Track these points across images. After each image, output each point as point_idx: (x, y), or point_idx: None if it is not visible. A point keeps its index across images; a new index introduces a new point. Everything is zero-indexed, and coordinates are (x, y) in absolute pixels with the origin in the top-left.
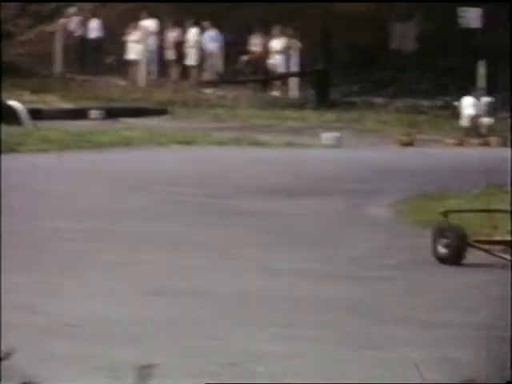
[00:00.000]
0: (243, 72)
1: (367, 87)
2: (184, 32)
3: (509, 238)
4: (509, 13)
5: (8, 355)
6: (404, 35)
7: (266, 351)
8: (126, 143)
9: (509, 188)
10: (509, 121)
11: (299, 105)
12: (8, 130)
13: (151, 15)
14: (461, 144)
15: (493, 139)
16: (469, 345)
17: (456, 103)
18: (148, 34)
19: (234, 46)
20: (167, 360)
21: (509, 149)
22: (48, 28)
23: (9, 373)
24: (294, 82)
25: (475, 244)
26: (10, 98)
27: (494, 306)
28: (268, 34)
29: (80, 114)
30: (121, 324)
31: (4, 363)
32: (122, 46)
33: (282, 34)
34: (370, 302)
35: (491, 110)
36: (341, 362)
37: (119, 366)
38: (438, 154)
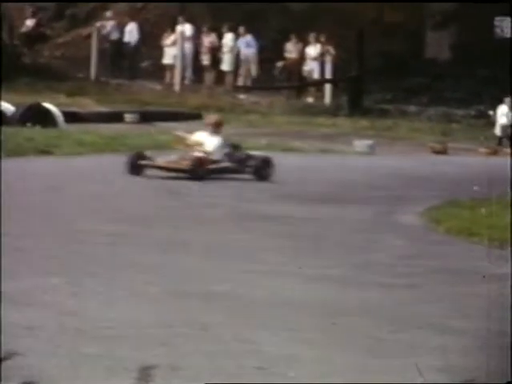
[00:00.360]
0: (278, 78)
1: (400, 95)
2: (219, 37)
3: None
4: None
5: (9, 356)
6: (439, 44)
7: (294, 356)
8: (161, 147)
9: None
10: None
11: (333, 111)
12: (43, 132)
13: (187, 20)
14: (494, 153)
15: None
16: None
17: (490, 112)
18: (184, 38)
19: (268, 52)
20: (196, 363)
21: None
22: (84, 31)
23: (9, 373)
24: (327, 89)
25: None
26: (45, 101)
27: None
28: (303, 41)
29: (115, 118)
30: (151, 326)
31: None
32: (157, 51)
33: (317, 40)
34: (398, 310)
35: None
36: (367, 369)
37: (149, 369)
38: (470, 162)
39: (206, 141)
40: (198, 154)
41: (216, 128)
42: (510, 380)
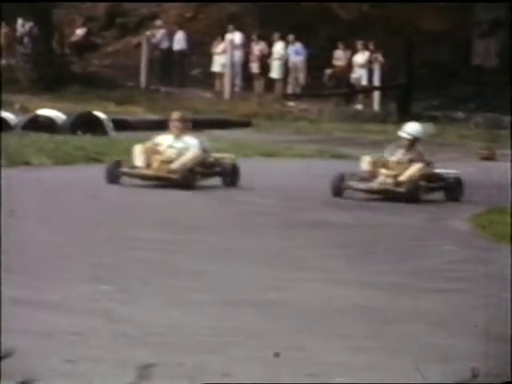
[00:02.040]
0: (326, 85)
1: (448, 102)
2: (269, 45)
3: None
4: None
5: (9, 354)
6: (486, 51)
7: (345, 362)
8: None
9: None
10: None
11: (381, 118)
12: (93, 140)
13: (237, 28)
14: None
15: None
16: None
17: None
18: (233, 46)
19: (317, 60)
20: (248, 369)
21: None
22: (134, 40)
23: (9, 372)
24: (376, 96)
25: None
26: (95, 109)
27: None
28: (351, 48)
29: (164, 126)
30: (202, 334)
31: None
32: (207, 59)
33: (365, 48)
34: (446, 315)
35: None
36: (417, 375)
37: (201, 375)
38: None
39: (173, 144)
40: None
41: (182, 127)
42: (510, 380)
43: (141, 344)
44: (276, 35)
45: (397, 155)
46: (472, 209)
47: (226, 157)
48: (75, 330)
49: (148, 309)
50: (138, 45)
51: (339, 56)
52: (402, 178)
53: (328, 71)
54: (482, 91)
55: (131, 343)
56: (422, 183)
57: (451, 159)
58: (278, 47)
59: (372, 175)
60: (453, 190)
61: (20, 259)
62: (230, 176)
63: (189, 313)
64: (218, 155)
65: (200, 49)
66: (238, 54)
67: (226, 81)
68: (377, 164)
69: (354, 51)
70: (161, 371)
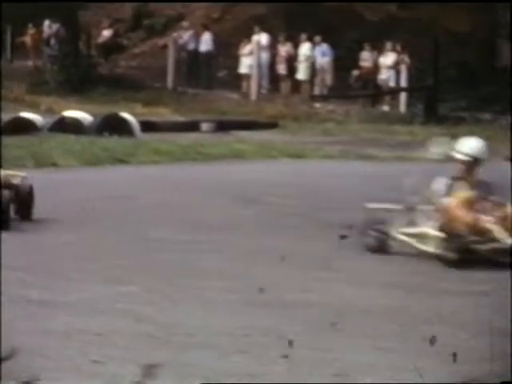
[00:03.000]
0: (353, 87)
1: (474, 103)
2: (295, 46)
3: None
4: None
5: (10, 356)
6: (511, 53)
7: (371, 363)
8: (237, 156)
9: None
10: None
11: (408, 119)
12: (119, 141)
13: (264, 29)
14: None
15: None
16: None
17: None
18: (260, 48)
19: (344, 61)
20: (274, 369)
21: None
22: (160, 41)
23: (9, 373)
24: (403, 97)
25: None
26: (122, 111)
27: None
28: (377, 50)
29: (191, 127)
30: (228, 334)
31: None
32: (234, 60)
33: (393, 49)
34: (475, 316)
35: None
36: (443, 375)
37: (228, 376)
38: None
39: None
40: None
41: None
42: (510, 380)
43: (165, 345)
44: (303, 36)
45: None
46: None
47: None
48: (98, 331)
49: (172, 309)
50: (165, 46)
51: (366, 57)
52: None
53: (355, 72)
54: (507, 92)
55: (156, 344)
56: None
57: None
58: (305, 48)
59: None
60: None
61: (43, 260)
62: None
63: (214, 313)
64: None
65: (226, 50)
66: (265, 56)
67: (253, 82)
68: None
69: (380, 52)
70: (185, 372)
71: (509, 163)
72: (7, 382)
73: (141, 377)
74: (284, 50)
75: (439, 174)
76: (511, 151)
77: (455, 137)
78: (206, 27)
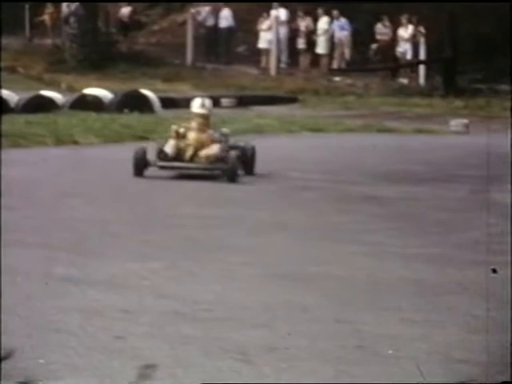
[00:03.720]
0: (372, 60)
1: (492, 75)
2: (314, 21)
3: None
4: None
5: (9, 355)
6: None
7: (393, 335)
8: (258, 131)
9: None
10: None
11: (427, 92)
12: (140, 118)
13: (282, 4)
14: None
15: None
16: None
17: None
18: (279, 23)
19: (362, 35)
20: (295, 343)
21: None
22: (179, 18)
23: (9, 372)
24: (421, 70)
25: None
26: (142, 88)
27: None
28: (394, 23)
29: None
30: (249, 308)
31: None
32: (253, 35)
33: (409, 22)
34: (489, 287)
35: None
36: (465, 346)
37: (248, 349)
38: None
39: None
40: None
41: None
42: (510, 380)
43: (189, 320)
44: (320, 10)
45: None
46: None
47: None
48: (124, 307)
49: (196, 284)
50: (184, 22)
51: (383, 31)
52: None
53: (374, 46)
54: None
55: (179, 319)
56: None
57: (496, 131)
58: (323, 22)
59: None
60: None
61: (69, 237)
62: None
63: (235, 288)
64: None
65: (246, 25)
66: (284, 31)
67: (272, 57)
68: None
69: (397, 25)
70: (208, 346)
71: None
72: (7, 382)
73: (137, 377)
74: (303, 24)
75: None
76: None
77: (473, 109)
78: (224, 3)
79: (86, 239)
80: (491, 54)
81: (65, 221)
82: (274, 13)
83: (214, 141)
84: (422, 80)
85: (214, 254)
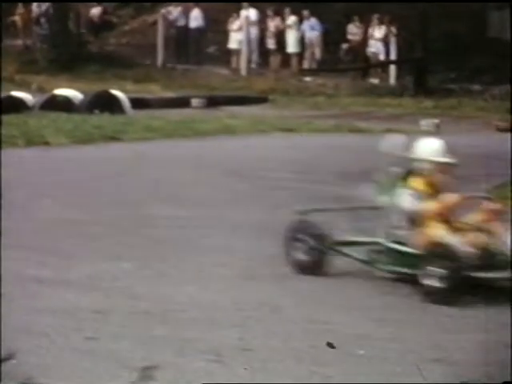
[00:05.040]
0: (343, 60)
1: (464, 74)
2: (284, 21)
3: None
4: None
5: (10, 356)
6: (501, 23)
7: (366, 335)
8: (228, 131)
9: None
10: None
11: (398, 92)
12: (111, 119)
13: (252, 4)
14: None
15: None
16: None
17: None
18: (249, 23)
19: (333, 35)
20: (268, 343)
21: None
22: (150, 18)
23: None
24: (392, 70)
25: None
26: (113, 88)
27: None
28: (366, 23)
29: (182, 103)
30: (222, 309)
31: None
32: (223, 36)
33: (380, 22)
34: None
35: None
36: (438, 346)
37: (221, 350)
38: None
39: None
40: None
41: None
42: (509, 380)
43: (161, 320)
44: (287, 10)
45: None
46: (491, 181)
47: None
48: (94, 308)
49: (168, 285)
50: (155, 23)
51: (354, 31)
52: None
53: (344, 46)
54: (497, 63)
55: (151, 320)
56: None
57: (468, 131)
58: (291, 21)
59: None
60: None
61: (41, 238)
62: None
63: (208, 289)
64: None
65: (215, 26)
66: (254, 31)
67: (243, 57)
68: None
69: (368, 25)
70: (181, 347)
71: (501, 134)
72: (7, 382)
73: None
74: (273, 24)
75: None
76: None
77: (445, 109)
78: (195, 3)
79: (58, 240)
80: (464, 54)
81: (37, 222)
82: (244, 13)
83: None
84: (392, 80)
85: (187, 255)
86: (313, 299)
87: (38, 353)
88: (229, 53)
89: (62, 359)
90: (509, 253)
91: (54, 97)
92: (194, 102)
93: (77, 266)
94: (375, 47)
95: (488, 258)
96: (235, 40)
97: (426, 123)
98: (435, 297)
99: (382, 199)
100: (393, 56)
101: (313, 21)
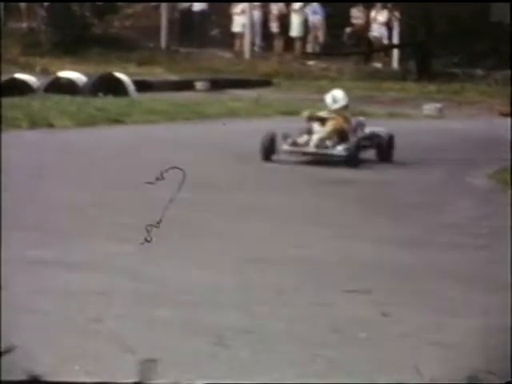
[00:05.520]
0: (346, 44)
1: (467, 59)
2: (288, 4)
3: None
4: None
5: (9, 350)
6: (504, 7)
7: (368, 318)
8: (232, 114)
9: None
10: None
11: (401, 76)
12: (114, 101)
13: None
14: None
15: None
16: None
17: None
18: (252, 6)
19: (337, 19)
20: (271, 326)
21: None
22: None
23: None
24: (395, 54)
25: None
26: (116, 71)
27: None
28: (369, 7)
29: (185, 86)
30: (226, 292)
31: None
32: (226, 19)
33: (384, 6)
34: (466, 269)
35: None
36: (440, 328)
37: (224, 332)
38: None
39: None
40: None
41: None
42: (509, 380)
43: (163, 303)
44: None
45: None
46: (493, 165)
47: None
48: (99, 290)
49: (171, 267)
50: (158, 6)
51: (357, 14)
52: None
53: (348, 30)
54: (500, 47)
55: (154, 302)
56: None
57: (471, 116)
58: (296, 6)
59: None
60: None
61: (44, 219)
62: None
63: (212, 271)
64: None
65: (219, 9)
66: (257, 14)
67: (246, 41)
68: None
69: (371, 9)
70: (183, 329)
71: (503, 118)
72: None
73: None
74: (276, 8)
75: None
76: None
77: (447, 93)
78: None
79: (60, 221)
80: (467, 38)
81: (40, 203)
82: None
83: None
84: (395, 64)
85: (191, 237)
86: (317, 281)
87: (39, 334)
88: (232, 36)
89: (64, 340)
90: None
91: (58, 79)
92: (198, 84)
93: (79, 247)
94: (378, 31)
95: None
96: (238, 23)
97: (428, 107)
98: None
99: None
100: (396, 40)
101: (315, 5)
